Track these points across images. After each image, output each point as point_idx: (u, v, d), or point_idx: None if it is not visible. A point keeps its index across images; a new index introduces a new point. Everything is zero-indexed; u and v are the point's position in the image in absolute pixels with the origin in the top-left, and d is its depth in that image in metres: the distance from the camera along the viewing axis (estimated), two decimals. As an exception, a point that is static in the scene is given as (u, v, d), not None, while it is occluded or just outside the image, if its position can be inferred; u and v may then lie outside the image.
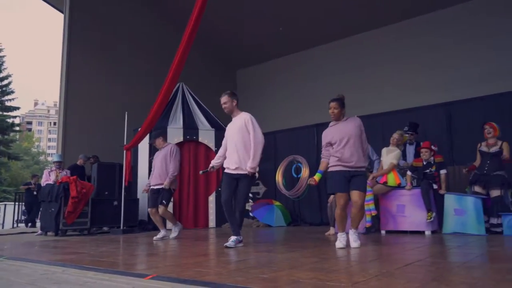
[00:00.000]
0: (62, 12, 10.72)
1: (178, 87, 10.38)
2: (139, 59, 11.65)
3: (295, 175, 9.18)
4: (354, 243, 4.02)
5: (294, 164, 9.26)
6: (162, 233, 5.92)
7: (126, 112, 8.11)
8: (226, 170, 4.51)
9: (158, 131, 6.46)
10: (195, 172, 9.42)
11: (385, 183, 5.89)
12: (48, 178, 8.03)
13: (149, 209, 6.06)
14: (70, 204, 7.27)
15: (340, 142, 4.08)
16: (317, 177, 4.25)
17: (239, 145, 4.41)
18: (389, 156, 6.02)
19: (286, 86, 13.02)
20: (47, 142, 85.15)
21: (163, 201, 5.86)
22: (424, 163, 5.91)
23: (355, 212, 4.09)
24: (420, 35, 10.24)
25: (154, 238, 5.81)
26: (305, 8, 11.02)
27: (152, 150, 8.60)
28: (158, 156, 6.15)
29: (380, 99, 10.10)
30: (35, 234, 7.92)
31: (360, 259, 3.06)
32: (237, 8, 11.31)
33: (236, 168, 4.39)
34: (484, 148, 5.78)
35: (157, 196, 5.97)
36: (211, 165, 4.87)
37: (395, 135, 6.28)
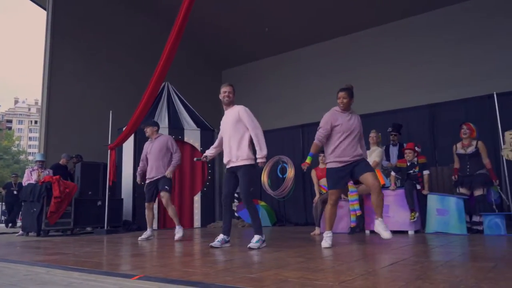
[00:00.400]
0: (45, 9, 10.55)
1: (164, 86, 10.33)
2: (123, 58, 11.53)
3: (280, 176, 9.22)
4: (385, 233, 3.88)
5: (280, 164, 9.30)
6: (148, 232, 5.76)
7: (111, 111, 8.03)
8: (226, 166, 4.49)
9: (154, 121, 6.30)
10: (180, 172, 9.39)
11: (369, 183, 5.95)
12: (29, 177, 7.89)
13: (146, 204, 5.81)
14: (52, 204, 7.16)
15: (344, 133, 4.03)
16: (308, 160, 4.21)
17: (231, 138, 4.36)
18: (372, 155, 6.10)
19: (272, 86, 13.10)
20: (27, 141, 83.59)
21: (166, 187, 5.65)
22: (408, 163, 6.01)
23: (375, 197, 3.92)
24: (405, 38, 10.44)
25: (139, 238, 5.68)
26: (291, 9, 11.08)
27: (138, 151, 8.54)
28: (152, 148, 5.89)
29: (365, 100, 10.19)
30: (16, 234, 7.77)
31: (345, 259, 3.10)
32: (223, 8, 11.29)
33: (228, 161, 4.37)
34: (460, 150, 5.87)
35: (154, 189, 5.78)
36: (205, 154, 4.83)
37: (372, 134, 6.37)
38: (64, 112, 9.96)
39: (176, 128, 9.32)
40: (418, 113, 8.00)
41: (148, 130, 6.00)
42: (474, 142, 5.76)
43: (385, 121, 7.79)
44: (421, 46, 10.10)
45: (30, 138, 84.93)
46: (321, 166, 6.52)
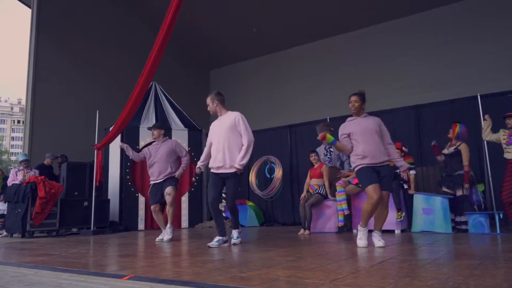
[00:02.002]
0: (29, 6, 10.39)
1: (151, 86, 10.26)
2: (110, 57, 11.44)
3: (268, 176, 9.25)
4: (380, 242, 3.95)
5: (268, 164, 9.33)
6: (167, 231, 5.47)
7: (98, 111, 7.95)
8: (212, 170, 4.46)
9: (162, 123, 6.14)
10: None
11: (357, 184, 6.02)
12: (15, 178, 7.76)
13: (152, 207, 5.59)
14: (37, 204, 7.06)
15: (361, 136, 3.99)
16: (330, 138, 4.06)
17: (225, 144, 4.34)
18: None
19: (260, 87, 13.13)
20: (10, 140, 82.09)
21: (173, 182, 5.51)
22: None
23: (381, 211, 3.99)
24: (390, 40, 10.55)
25: (159, 239, 5.44)
26: (279, 10, 11.14)
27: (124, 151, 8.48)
28: (158, 150, 5.66)
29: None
30: (0, 236, 7.64)
31: (334, 258, 3.13)
32: (211, 9, 11.29)
33: (219, 167, 4.36)
34: (445, 150, 6.00)
35: (159, 191, 5.56)
36: (197, 166, 4.76)
37: None
38: (49, 112, 9.83)
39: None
40: (403, 114, 8.09)
41: (155, 133, 5.78)
42: (457, 143, 5.87)
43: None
44: (407, 48, 10.21)
45: (13, 138, 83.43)
46: (315, 165, 6.57)
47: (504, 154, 5.89)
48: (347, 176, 6.33)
